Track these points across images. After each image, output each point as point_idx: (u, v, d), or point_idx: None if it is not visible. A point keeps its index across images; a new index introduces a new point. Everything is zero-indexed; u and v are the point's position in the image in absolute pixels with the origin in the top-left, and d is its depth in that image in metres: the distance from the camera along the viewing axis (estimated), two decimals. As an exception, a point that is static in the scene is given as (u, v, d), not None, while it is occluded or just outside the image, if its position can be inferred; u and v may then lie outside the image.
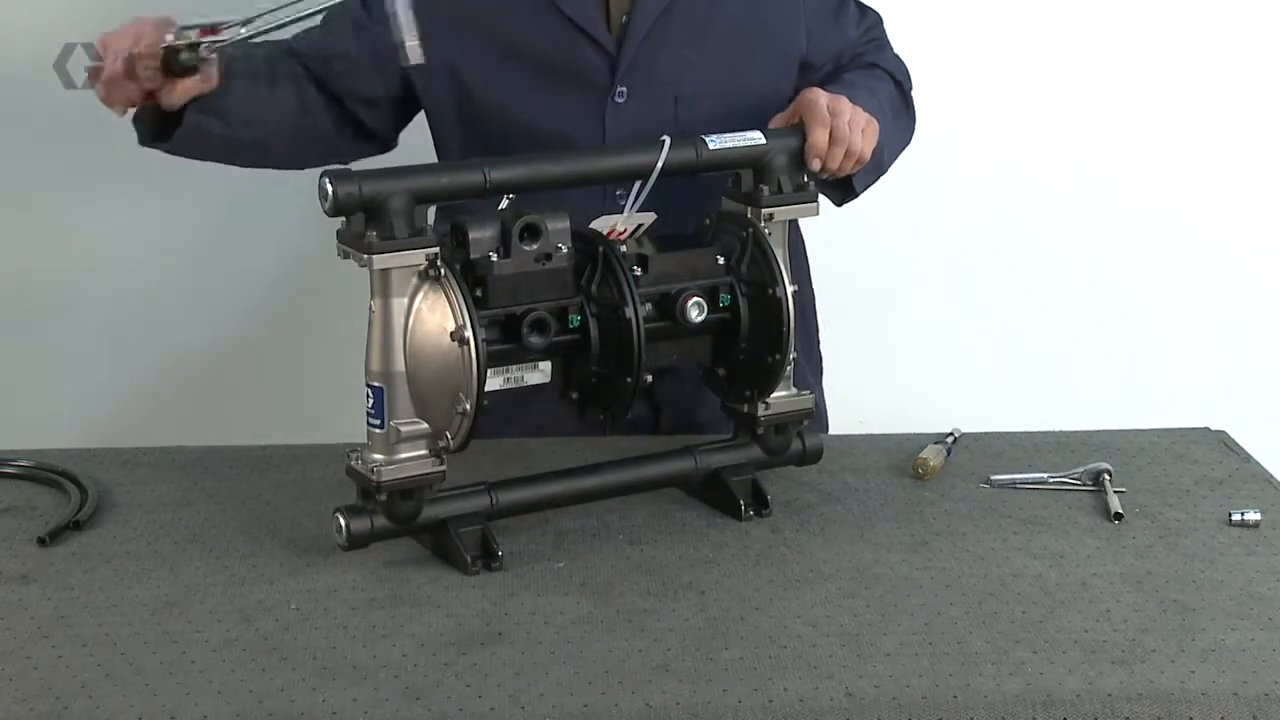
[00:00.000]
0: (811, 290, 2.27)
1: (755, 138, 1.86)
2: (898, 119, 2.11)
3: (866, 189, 2.08)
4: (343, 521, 1.72)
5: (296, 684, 1.51)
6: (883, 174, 2.10)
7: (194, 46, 1.83)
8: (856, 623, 1.63)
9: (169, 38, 1.84)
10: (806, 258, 2.27)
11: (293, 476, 1.97)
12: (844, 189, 2.05)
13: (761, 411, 1.90)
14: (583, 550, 1.79)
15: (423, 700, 1.48)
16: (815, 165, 1.89)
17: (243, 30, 1.83)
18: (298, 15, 1.85)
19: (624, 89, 2.03)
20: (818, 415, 2.13)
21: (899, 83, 2.15)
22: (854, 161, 1.92)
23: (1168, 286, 3.07)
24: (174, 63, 1.85)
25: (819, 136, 1.87)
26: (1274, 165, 3.04)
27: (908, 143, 2.17)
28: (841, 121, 1.89)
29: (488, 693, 1.49)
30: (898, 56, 2.20)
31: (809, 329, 2.26)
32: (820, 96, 1.90)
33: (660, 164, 1.81)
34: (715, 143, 1.85)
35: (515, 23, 2.03)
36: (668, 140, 1.82)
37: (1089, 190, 3.03)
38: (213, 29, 1.84)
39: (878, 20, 2.22)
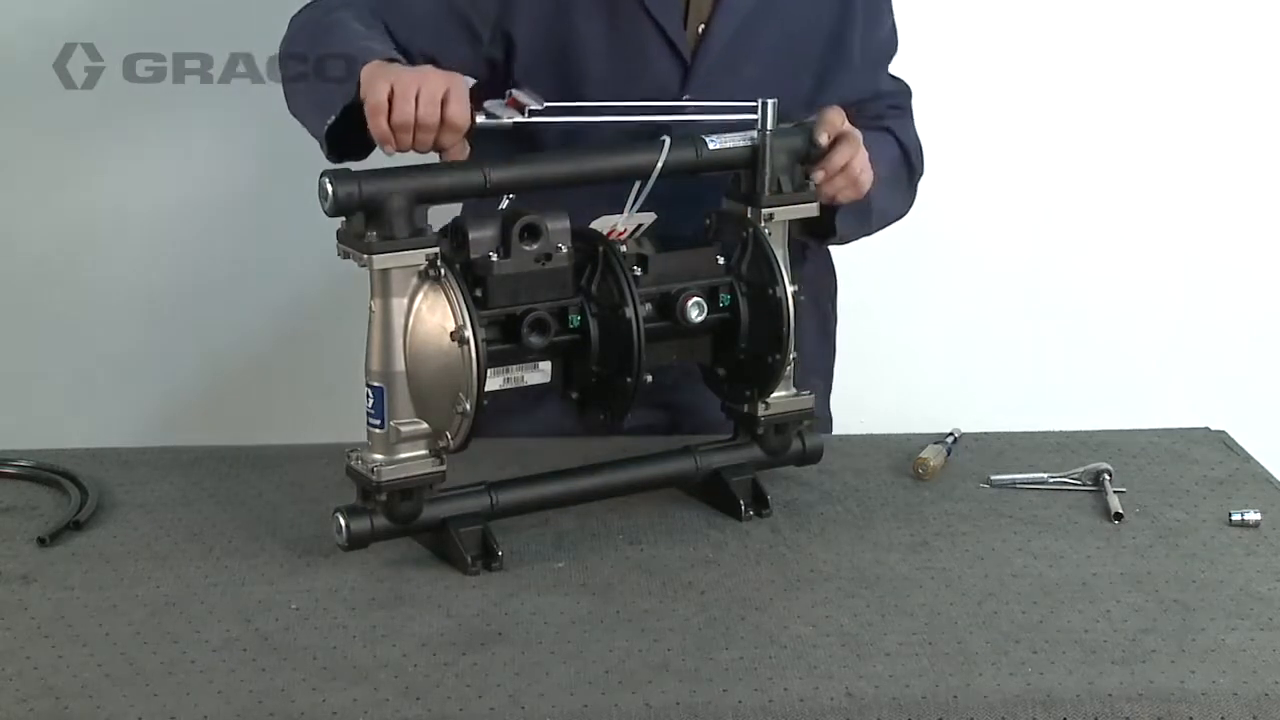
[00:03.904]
0: (835, 312, 2.27)
1: (755, 137, 1.86)
2: (894, 186, 2.09)
3: (849, 235, 2.06)
4: (343, 521, 1.72)
5: (296, 684, 1.51)
6: (868, 232, 2.09)
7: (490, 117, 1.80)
8: (856, 623, 1.63)
9: (482, 116, 1.79)
10: (835, 278, 2.26)
11: (293, 476, 1.97)
12: (825, 231, 2.03)
13: (761, 411, 1.90)
14: (583, 550, 1.79)
15: (423, 700, 1.48)
16: (819, 177, 1.88)
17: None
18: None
19: (689, 98, 2.00)
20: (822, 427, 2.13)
21: (906, 153, 2.12)
22: (854, 191, 1.91)
23: (1168, 286, 3.07)
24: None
25: (840, 157, 1.87)
26: (1273, 166, 3.04)
27: (900, 214, 2.16)
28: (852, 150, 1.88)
29: (488, 693, 1.49)
30: (916, 135, 2.17)
31: (829, 354, 2.28)
32: (844, 120, 1.89)
33: (660, 164, 1.81)
34: (715, 143, 1.85)
35: (592, 23, 2.01)
36: (668, 140, 1.82)
37: (1089, 190, 3.03)
38: (514, 100, 1.81)
39: (907, 91, 2.20)
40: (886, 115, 2.15)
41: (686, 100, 1.99)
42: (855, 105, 2.09)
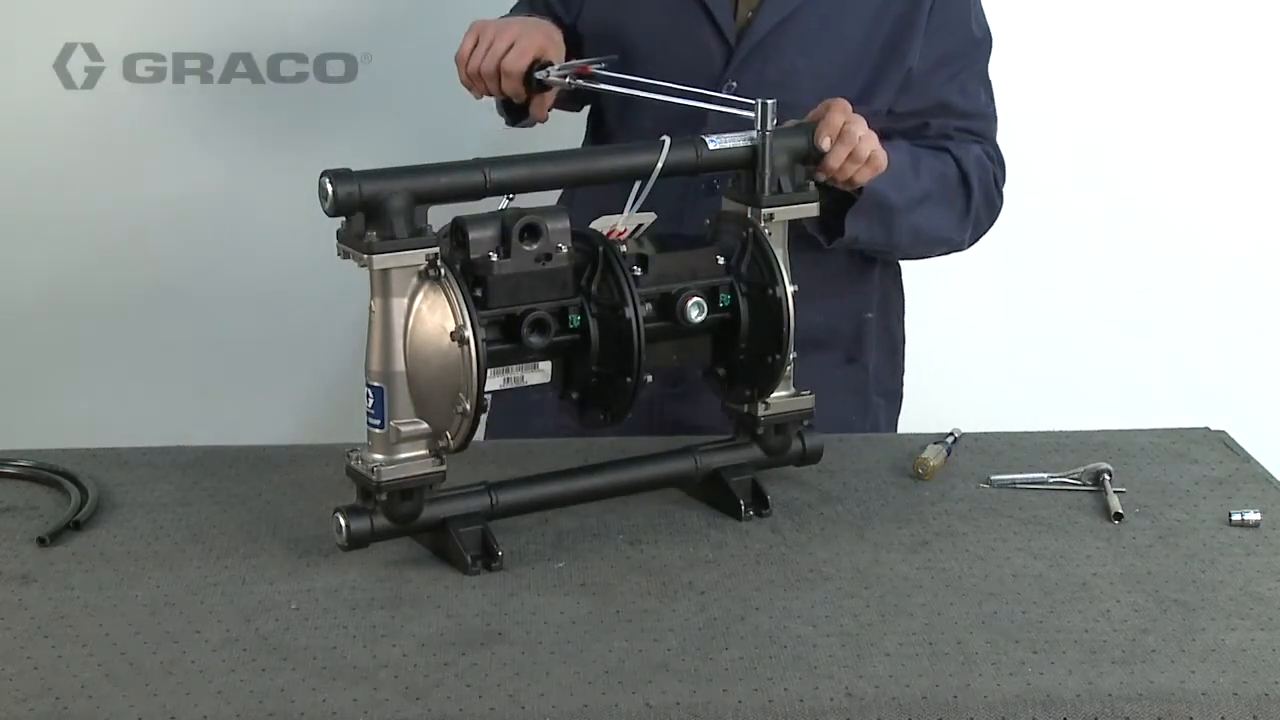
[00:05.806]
0: (903, 332, 2.27)
1: (755, 137, 1.86)
2: (938, 204, 2.07)
3: (863, 240, 2.04)
4: (343, 521, 1.72)
5: (296, 684, 1.51)
6: (899, 246, 2.07)
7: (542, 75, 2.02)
8: (856, 623, 1.63)
9: (543, 73, 2.01)
10: (903, 297, 2.26)
11: (293, 476, 1.97)
12: (833, 230, 2.02)
13: (761, 411, 1.90)
14: (583, 550, 1.79)
15: (423, 700, 1.48)
16: (821, 177, 1.89)
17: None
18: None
19: (734, 84, 2.04)
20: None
21: (965, 176, 2.09)
22: (867, 167, 1.89)
23: (1168, 287, 3.07)
24: (531, 81, 2.02)
25: (835, 159, 1.86)
26: (1274, 166, 3.04)
27: (948, 237, 2.12)
28: (853, 130, 1.87)
29: (488, 693, 1.49)
30: (988, 163, 2.12)
31: (896, 374, 2.28)
32: (841, 110, 1.87)
33: (660, 164, 1.81)
34: (715, 143, 1.85)
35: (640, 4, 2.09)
36: (668, 140, 1.82)
37: (1089, 190, 3.03)
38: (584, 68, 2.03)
39: (987, 116, 2.15)
40: (954, 137, 2.11)
41: (729, 85, 2.04)
42: (915, 115, 2.09)
